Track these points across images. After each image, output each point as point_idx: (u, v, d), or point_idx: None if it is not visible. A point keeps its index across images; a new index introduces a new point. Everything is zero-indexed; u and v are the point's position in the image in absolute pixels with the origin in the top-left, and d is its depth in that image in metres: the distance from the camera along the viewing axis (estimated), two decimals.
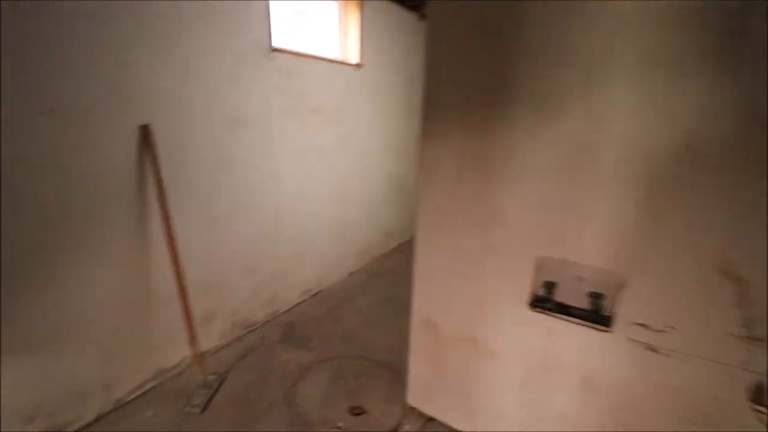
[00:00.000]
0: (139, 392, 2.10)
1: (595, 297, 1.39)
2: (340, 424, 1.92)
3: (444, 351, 1.79)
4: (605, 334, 1.38)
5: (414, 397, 1.99)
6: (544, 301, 1.48)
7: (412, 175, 4.34)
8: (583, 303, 1.42)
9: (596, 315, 1.39)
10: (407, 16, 3.69)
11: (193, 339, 2.17)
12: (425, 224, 1.69)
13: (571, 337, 1.45)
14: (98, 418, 1.93)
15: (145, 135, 1.88)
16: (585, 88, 1.23)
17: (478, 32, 1.38)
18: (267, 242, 2.72)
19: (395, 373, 2.30)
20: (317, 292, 3.28)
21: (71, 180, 1.66)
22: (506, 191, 1.44)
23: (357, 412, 2.00)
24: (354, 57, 3.24)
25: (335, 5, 3.16)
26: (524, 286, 1.50)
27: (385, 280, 3.59)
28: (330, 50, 3.20)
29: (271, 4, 2.38)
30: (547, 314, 1.48)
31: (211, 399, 2.07)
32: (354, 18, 3.17)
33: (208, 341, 2.40)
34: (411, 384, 1.98)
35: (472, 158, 1.49)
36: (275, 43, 2.46)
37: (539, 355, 1.55)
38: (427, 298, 1.78)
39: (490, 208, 1.50)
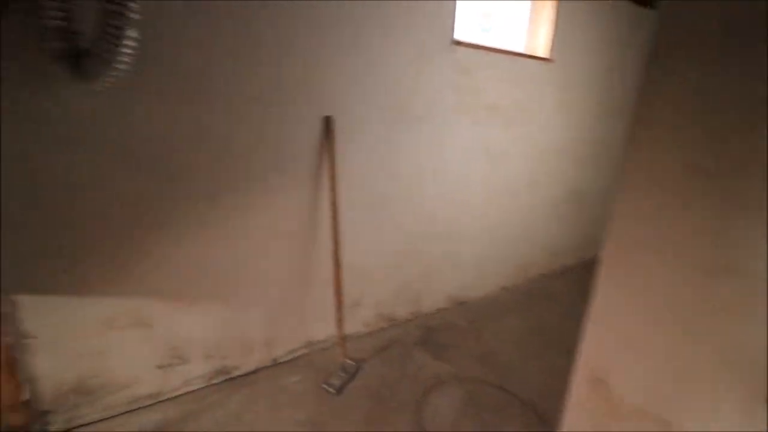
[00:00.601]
0: (290, 356, 2.32)
1: None
2: None
3: (615, 421, 1.39)
4: None
5: None
6: None
7: (596, 188, 3.69)
8: None
9: None
10: (617, 2, 3.09)
11: (340, 320, 2.28)
12: (615, 253, 1.32)
13: None
14: (256, 370, 2.20)
15: (328, 125, 2.02)
16: None
17: None
18: (419, 239, 2.67)
19: (540, 419, 1.95)
20: (463, 301, 3.09)
21: (266, 158, 1.91)
22: (763, 230, 0.98)
23: None
24: (543, 50, 2.88)
25: None
26: (765, 374, 1.01)
27: (542, 304, 3.15)
28: (515, 42, 2.93)
29: None
30: None
31: (346, 383, 2.13)
32: (549, 5, 2.81)
33: (352, 326, 2.50)
34: None
35: (704, 175, 1.07)
36: (457, 36, 2.35)
37: None
38: (601, 349, 1.40)
39: (725, 248, 1.05)
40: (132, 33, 1.27)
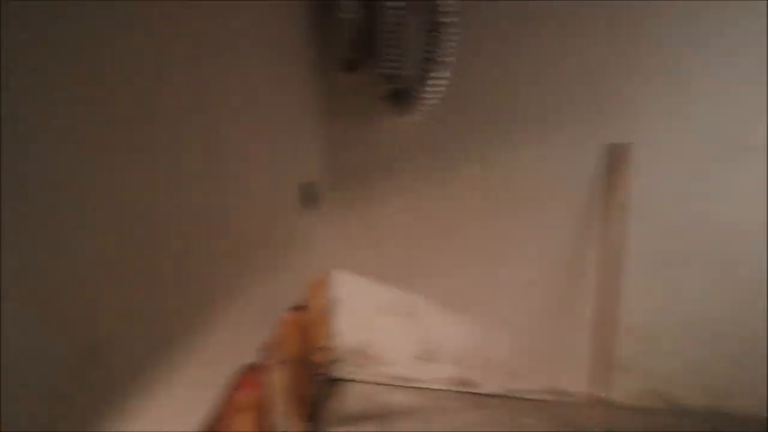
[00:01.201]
0: (531, 396, 2.16)
1: None
2: None
3: None
4: None
5: None
6: None
7: None
8: None
9: None
10: None
11: (599, 380, 1.95)
12: None
13: None
14: (495, 395, 2.17)
15: (617, 152, 1.77)
16: None
17: None
18: (739, 310, 1.91)
19: None
20: None
21: (539, 186, 1.89)
22: None
23: None
24: None
25: None
26: None
27: None
28: None
29: None
30: None
31: None
32: None
33: (613, 391, 2.08)
34: None
35: None
36: None
37: None
38: None
39: None
40: (444, 74, 1.50)
